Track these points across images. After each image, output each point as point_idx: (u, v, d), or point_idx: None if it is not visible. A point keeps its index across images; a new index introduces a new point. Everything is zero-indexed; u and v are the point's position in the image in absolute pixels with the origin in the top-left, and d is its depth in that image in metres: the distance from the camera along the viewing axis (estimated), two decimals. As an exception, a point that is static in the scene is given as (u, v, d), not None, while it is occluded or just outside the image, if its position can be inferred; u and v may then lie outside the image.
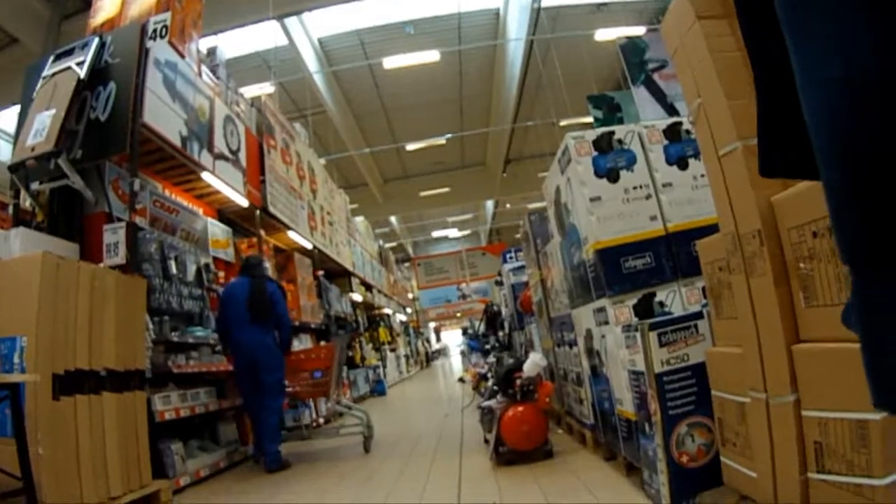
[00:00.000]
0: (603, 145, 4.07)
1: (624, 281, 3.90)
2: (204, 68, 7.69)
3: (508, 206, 35.31)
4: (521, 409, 5.06)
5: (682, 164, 4.06)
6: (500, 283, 14.52)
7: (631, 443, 3.76)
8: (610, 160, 4.05)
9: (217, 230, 7.85)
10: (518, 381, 5.18)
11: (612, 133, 4.12)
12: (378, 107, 21.87)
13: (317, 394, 7.45)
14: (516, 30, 17.30)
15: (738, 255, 2.42)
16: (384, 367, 17.80)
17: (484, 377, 8.51)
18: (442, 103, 22.11)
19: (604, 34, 16.67)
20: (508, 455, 5.08)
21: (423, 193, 29.44)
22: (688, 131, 4.08)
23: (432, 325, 40.28)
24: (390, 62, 17.34)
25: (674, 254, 3.93)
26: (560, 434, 6.12)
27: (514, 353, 9.54)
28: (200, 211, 7.72)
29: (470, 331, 22.88)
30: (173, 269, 6.28)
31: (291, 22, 15.53)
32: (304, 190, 10.90)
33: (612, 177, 4.02)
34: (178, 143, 6.35)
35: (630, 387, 3.56)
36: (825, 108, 0.85)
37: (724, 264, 2.63)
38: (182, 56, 6.73)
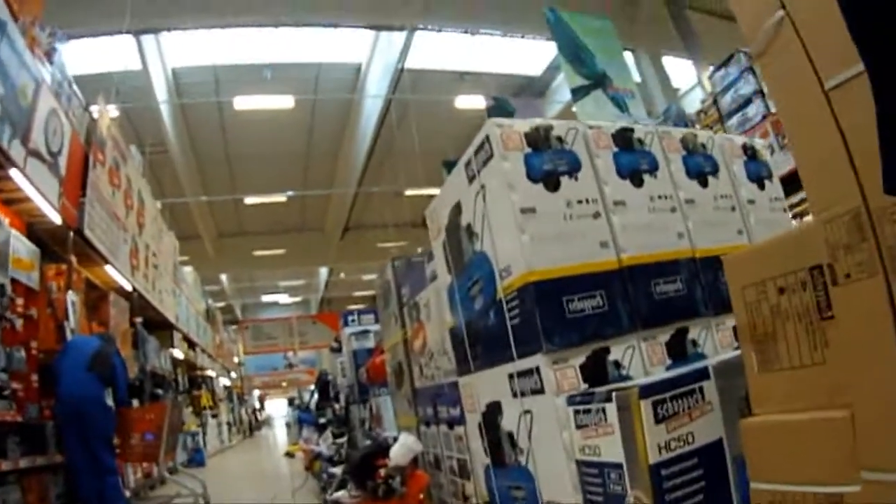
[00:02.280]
0: (538, 140, 3.08)
1: (568, 330, 2.83)
2: (38, 51, 6.47)
3: (343, 275, 34.68)
4: None
5: (636, 180, 3.22)
6: (336, 350, 13.50)
7: None
8: (547, 160, 3.06)
9: (21, 247, 6.37)
10: (382, 472, 4.08)
11: (550, 128, 3.15)
12: (222, 153, 20.71)
13: (147, 457, 6.93)
14: (376, 87, 16.96)
15: (866, 246, 1.50)
16: (204, 433, 16.07)
17: (319, 456, 7.43)
18: (288, 157, 21.19)
19: (465, 101, 16.55)
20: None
21: (257, 252, 28.09)
22: (640, 140, 3.33)
23: (257, 392, 38.35)
24: (242, 103, 16.55)
25: (630, 296, 2.99)
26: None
27: (352, 430, 8.56)
28: (6, 221, 6.28)
29: (297, 401, 21.69)
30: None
31: (148, 46, 14.50)
32: (129, 221, 9.52)
33: (551, 183, 3.03)
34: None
35: (582, 486, 2.61)
36: None
37: (785, 283, 1.78)
38: (15, 17, 5.53)
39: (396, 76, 16.14)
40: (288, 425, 23.58)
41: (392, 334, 5.90)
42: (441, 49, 16.42)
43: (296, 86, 16.85)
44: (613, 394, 2.34)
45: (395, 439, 4.44)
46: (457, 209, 3.62)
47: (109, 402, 6.39)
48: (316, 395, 13.11)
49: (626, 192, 3.17)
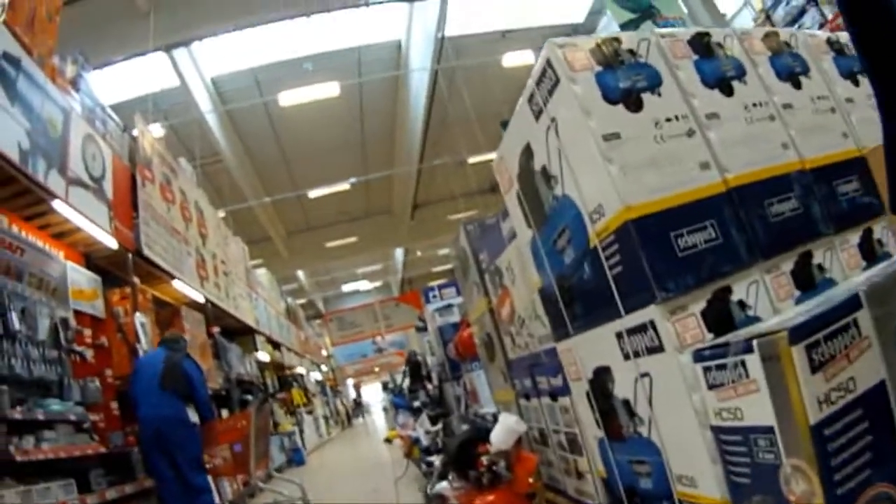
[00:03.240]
0: (608, 56, 2.62)
1: (682, 271, 2.36)
2: (61, 81, 6.33)
3: (419, 253, 34.39)
4: (492, 499, 3.52)
5: (726, 89, 2.71)
6: (422, 329, 13.28)
7: None
8: (623, 77, 2.59)
9: (80, 278, 6.30)
10: (484, 459, 3.63)
11: (618, 41, 2.69)
12: (277, 152, 20.62)
13: (238, 469, 6.73)
14: (420, 60, 16.52)
15: None
16: (301, 431, 16.09)
17: (417, 442, 7.16)
18: (344, 146, 20.98)
19: (512, 59, 15.92)
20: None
21: (329, 244, 28.10)
22: (720, 45, 2.82)
23: (350, 381, 38.71)
24: (287, 98, 16.27)
25: (743, 222, 2.49)
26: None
27: (448, 410, 8.26)
28: (61, 254, 6.18)
29: (391, 385, 21.63)
30: (16, 325, 4.79)
31: (182, 60, 14.33)
32: (190, 233, 9.42)
33: (632, 102, 2.55)
34: (14, 156, 4.92)
35: (722, 456, 2.13)
36: None
37: None
38: (28, 52, 5.38)
39: (438, 46, 15.63)
40: (385, 410, 23.60)
41: (476, 305, 5.48)
42: (478, 11, 15.83)
43: (338, 73, 16.48)
44: (754, 342, 1.85)
45: (495, 417, 4.08)
46: (527, 153, 3.17)
47: (193, 417, 6.28)
48: (407, 377, 12.74)
49: (717, 103, 2.68)
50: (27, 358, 4.91)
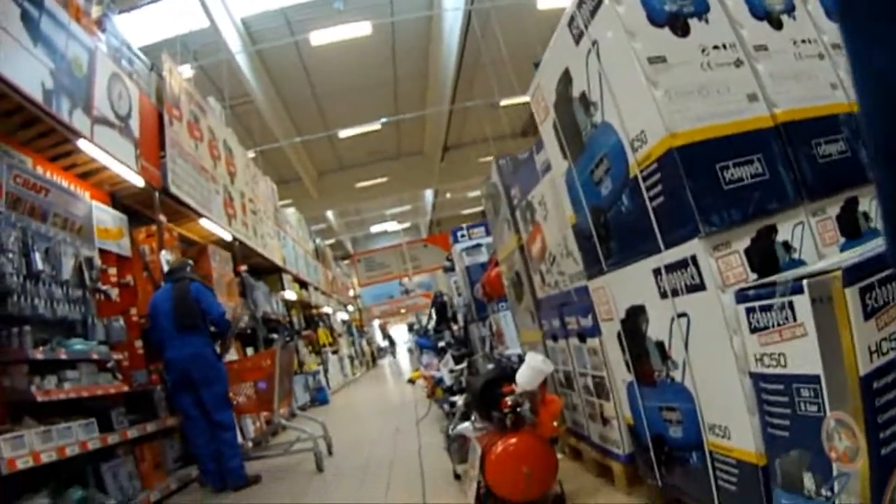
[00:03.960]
0: None
1: (728, 205, 2.27)
2: (86, 22, 6.21)
3: (449, 195, 34.34)
4: (515, 441, 3.44)
5: (774, 22, 2.59)
6: (449, 269, 13.25)
7: (747, 499, 2.27)
8: (668, 1, 2.48)
9: (106, 217, 6.29)
10: (508, 400, 3.54)
11: None
12: (308, 92, 20.36)
13: (262, 407, 6.75)
14: (453, 0, 16.02)
15: None
16: (325, 371, 16.25)
17: (441, 382, 7.14)
18: (376, 85, 20.64)
19: (547, 1, 15.47)
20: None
21: (359, 184, 28.07)
22: None
23: (377, 322, 38.99)
24: (318, 37, 16.03)
25: (791, 160, 2.39)
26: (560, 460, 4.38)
27: (472, 352, 8.24)
28: (87, 194, 6.16)
29: (416, 326, 21.72)
30: (39, 265, 4.78)
31: (212, 1, 13.97)
32: (218, 172, 9.35)
33: (679, 27, 2.46)
34: (38, 96, 4.84)
35: (760, 406, 2.06)
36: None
37: None
38: (50, -12, 5.25)
39: (472, -15, 15.21)
40: (410, 351, 23.75)
41: (506, 243, 5.48)
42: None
43: (370, 12, 16.16)
44: (804, 282, 1.76)
45: (520, 358, 4.02)
46: (565, 79, 3.09)
47: (218, 350, 6.35)
48: (433, 318, 12.73)
49: (766, 35, 2.58)
50: (50, 298, 4.91)
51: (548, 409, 3.51)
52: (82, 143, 5.58)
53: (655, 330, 2.72)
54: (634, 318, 2.90)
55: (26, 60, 4.77)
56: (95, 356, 5.27)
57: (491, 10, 15.87)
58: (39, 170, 5.56)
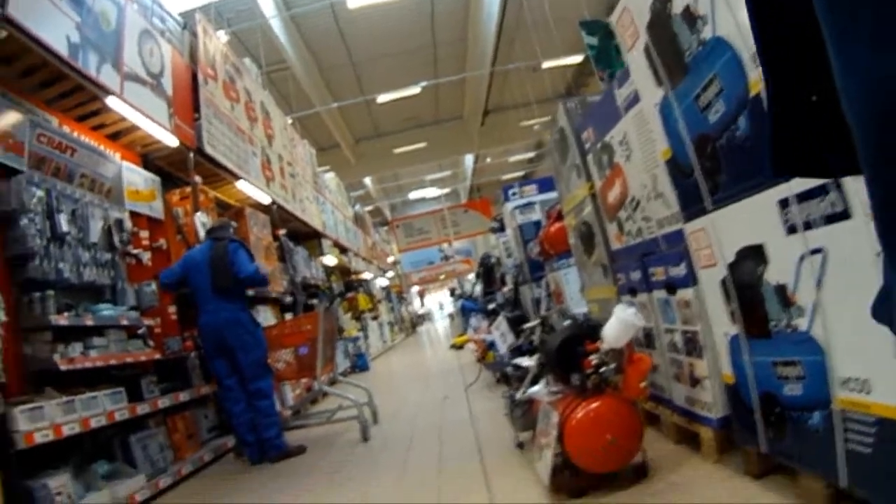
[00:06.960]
0: None
1: None
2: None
3: (489, 160, 33.83)
4: (598, 405, 3.11)
5: None
6: (498, 229, 12.98)
7: (884, 463, 1.98)
8: None
9: (136, 178, 6.06)
10: (593, 359, 3.20)
11: None
12: (345, 57, 19.96)
13: (303, 373, 6.56)
14: (494, -41, 15.55)
15: None
16: (366, 337, 16.10)
17: (492, 346, 6.82)
18: (414, 49, 20.21)
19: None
20: (579, 480, 3.14)
21: (397, 150, 27.69)
22: None
23: (415, 289, 38.88)
24: (355, 1, 15.59)
25: None
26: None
27: (525, 313, 7.95)
28: (117, 155, 5.93)
29: (458, 291, 21.49)
30: (63, 227, 4.57)
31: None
32: (256, 133, 9.09)
33: None
34: (63, 50, 4.59)
35: None
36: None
37: None
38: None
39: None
40: (451, 317, 23.56)
41: (573, 192, 5.11)
42: None
43: (408, -27, 15.69)
44: None
45: (586, 318, 3.69)
46: None
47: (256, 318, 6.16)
48: (480, 280, 12.41)
49: None
50: (77, 261, 4.72)
51: (636, 367, 3.20)
52: (112, 101, 5.32)
53: (776, 272, 2.41)
54: (747, 261, 2.60)
55: (49, 13, 4.51)
56: (125, 322, 5.09)
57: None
58: (66, 129, 5.32)
